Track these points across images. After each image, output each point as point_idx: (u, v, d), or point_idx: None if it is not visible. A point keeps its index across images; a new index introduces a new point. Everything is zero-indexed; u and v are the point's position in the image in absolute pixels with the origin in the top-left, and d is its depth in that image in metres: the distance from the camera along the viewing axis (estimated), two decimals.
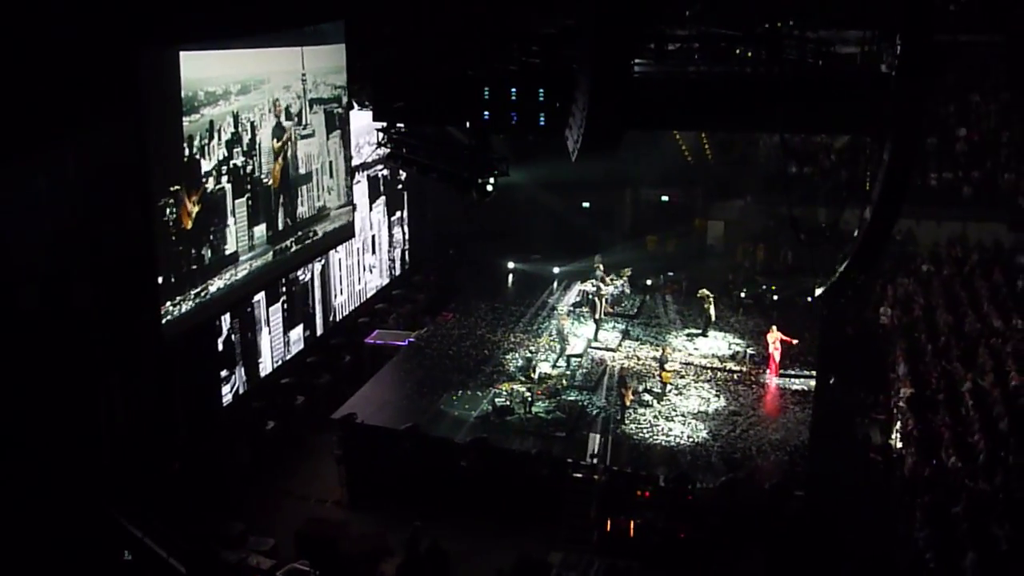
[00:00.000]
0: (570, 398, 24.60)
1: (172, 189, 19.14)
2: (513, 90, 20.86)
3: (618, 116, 17.84)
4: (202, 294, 20.59)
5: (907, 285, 31.60)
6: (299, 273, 27.45)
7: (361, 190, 31.45)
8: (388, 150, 26.09)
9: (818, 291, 22.78)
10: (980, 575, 17.52)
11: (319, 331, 29.18)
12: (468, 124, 22.48)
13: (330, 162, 26.00)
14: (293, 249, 24.36)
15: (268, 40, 22.28)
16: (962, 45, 38.64)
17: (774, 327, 26.18)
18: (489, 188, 23.72)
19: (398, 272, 35.05)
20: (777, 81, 19.31)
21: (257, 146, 21.95)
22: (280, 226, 23.54)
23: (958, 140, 37.68)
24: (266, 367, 26.18)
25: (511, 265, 35.33)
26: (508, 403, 23.84)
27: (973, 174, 36.49)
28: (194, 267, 20.36)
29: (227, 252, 21.40)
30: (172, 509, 19.25)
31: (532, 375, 25.54)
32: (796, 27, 20.20)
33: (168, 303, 19.58)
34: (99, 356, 19.16)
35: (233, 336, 24.43)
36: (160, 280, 19.23)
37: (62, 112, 16.84)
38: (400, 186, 34.41)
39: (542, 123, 20.92)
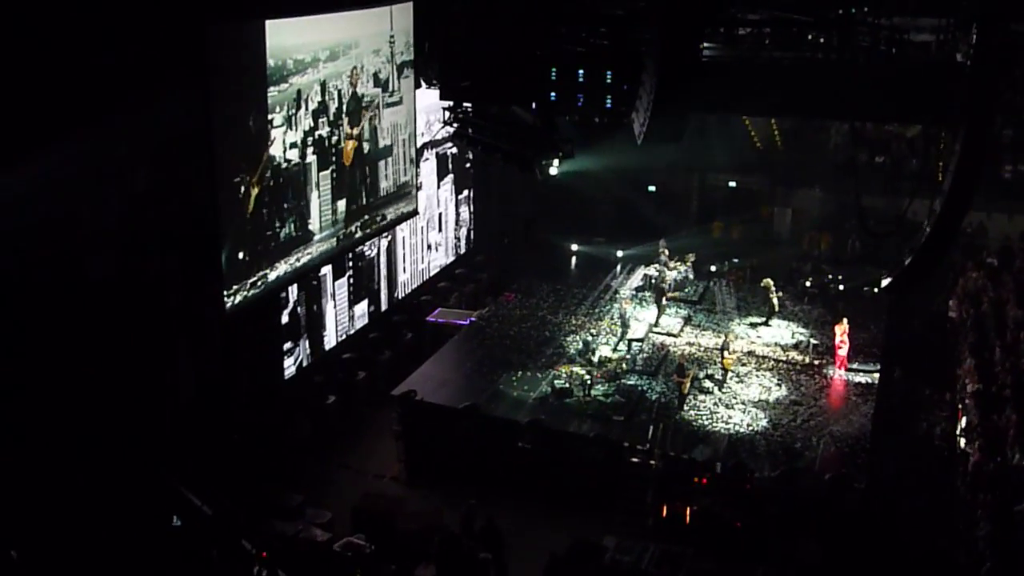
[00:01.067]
0: (630, 382, 24.54)
1: (245, 165, 19.24)
2: (580, 71, 20.83)
3: (686, 100, 17.72)
4: (271, 275, 20.86)
5: (976, 279, 31.06)
6: (365, 248, 27.60)
7: (429, 168, 31.58)
8: (454, 129, 26.14)
9: (884, 282, 22.48)
10: None
11: (383, 307, 29.35)
12: (534, 105, 22.45)
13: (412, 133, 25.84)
14: (372, 226, 24.31)
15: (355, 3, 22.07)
16: None
17: (844, 319, 25.84)
18: (553, 170, 23.71)
19: (463, 251, 35.13)
20: (849, 68, 19.06)
21: (344, 116, 21.79)
22: (364, 201, 23.44)
23: None
24: (330, 341, 26.40)
25: (574, 247, 35.28)
26: (567, 385, 23.83)
27: None
28: (270, 244, 20.65)
29: (308, 227, 21.46)
30: (232, 479, 19.52)
31: (592, 358, 25.51)
32: (869, 13, 19.89)
33: (237, 284, 19.93)
34: (165, 327, 19.45)
35: (299, 308, 24.66)
36: (227, 257, 19.47)
37: (133, 83, 17.00)
38: (468, 165, 34.41)
39: (609, 105, 20.86)
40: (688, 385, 23.69)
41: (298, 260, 21.75)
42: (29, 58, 15.32)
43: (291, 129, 20.10)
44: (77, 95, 16.12)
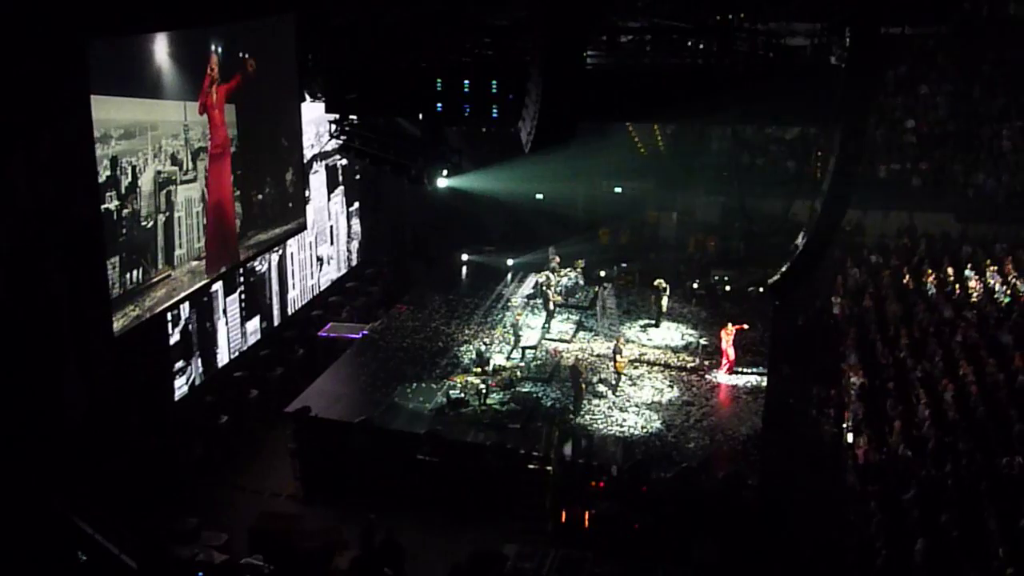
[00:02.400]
0: (524, 390, 24.63)
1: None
2: (466, 82, 20.88)
3: (571, 108, 17.86)
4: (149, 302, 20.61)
5: (857, 275, 31.93)
6: (256, 264, 27.28)
7: (319, 180, 31.33)
8: (341, 142, 25.97)
9: (770, 281, 22.95)
10: (930, 562, 17.75)
11: (276, 323, 29.02)
12: (421, 116, 22.42)
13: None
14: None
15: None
16: (910, 37, 39.14)
17: (729, 323, 26.30)
18: (442, 181, 23.70)
19: (355, 263, 34.86)
20: (728, 73, 19.46)
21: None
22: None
23: (906, 131, 38.09)
24: (223, 358, 25.98)
25: (465, 257, 35.29)
26: (463, 395, 23.81)
27: (921, 165, 36.88)
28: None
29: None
30: (124, 505, 19.05)
31: (486, 367, 25.54)
32: (747, 19, 20.34)
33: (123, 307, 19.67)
34: (52, 349, 18.91)
35: (191, 327, 24.20)
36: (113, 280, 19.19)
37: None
38: (358, 176, 34.19)
39: (495, 115, 20.93)
40: (583, 389, 23.92)
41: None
42: None
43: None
44: None
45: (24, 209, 18.04)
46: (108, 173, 19.65)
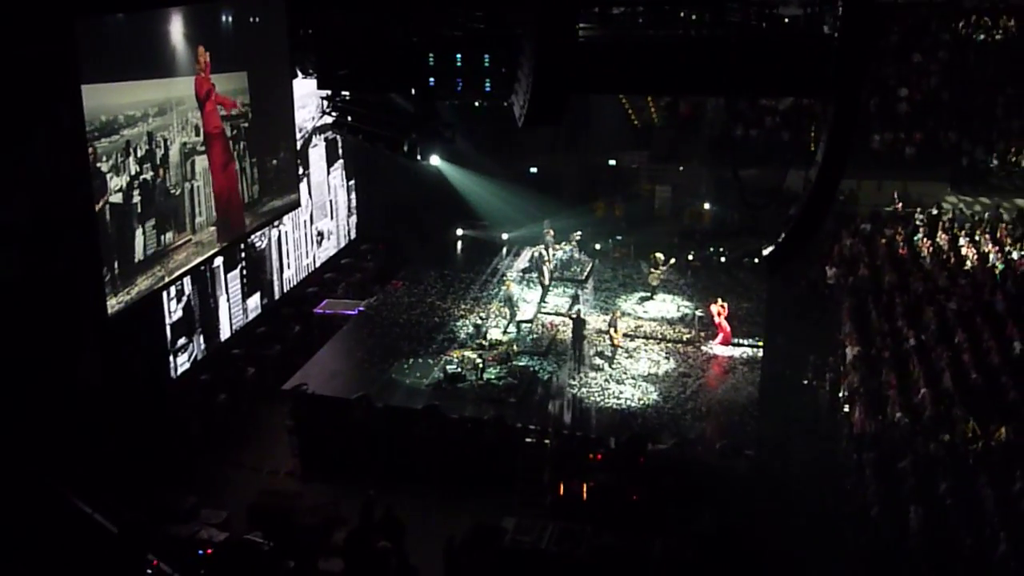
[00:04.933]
0: (521, 364, 24.68)
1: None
2: (458, 56, 20.74)
3: (563, 81, 17.81)
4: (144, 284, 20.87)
5: (852, 245, 31.96)
6: (256, 239, 27.30)
7: (318, 154, 31.26)
8: (333, 118, 25.89)
9: (765, 252, 22.94)
10: (925, 529, 17.87)
11: (276, 298, 29.13)
12: (413, 91, 22.33)
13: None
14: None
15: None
16: (903, 6, 39.06)
17: (719, 299, 26.36)
18: (435, 158, 23.64)
19: (350, 240, 34.84)
20: (721, 44, 19.36)
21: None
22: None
23: (900, 101, 38.05)
24: (225, 335, 26.11)
25: (460, 232, 35.27)
26: (459, 370, 23.87)
27: (915, 134, 36.87)
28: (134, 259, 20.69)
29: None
30: (123, 483, 19.09)
31: (483, 342, 25.58)
32: None
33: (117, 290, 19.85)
34: (50, 328, 18.94)
35: (192, 303, 24.29)
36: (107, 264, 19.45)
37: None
38: (354, 151, 34.15)
39: (488, 89, 20.82)
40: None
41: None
42: None
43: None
44: None
45: (44, 186, 18.18)
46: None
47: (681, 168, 37.73)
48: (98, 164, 19.24)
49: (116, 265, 20.01)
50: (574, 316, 25.98)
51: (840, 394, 23.48)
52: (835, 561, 17.89)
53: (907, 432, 20.88)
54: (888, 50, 38.72)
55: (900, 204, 34.96)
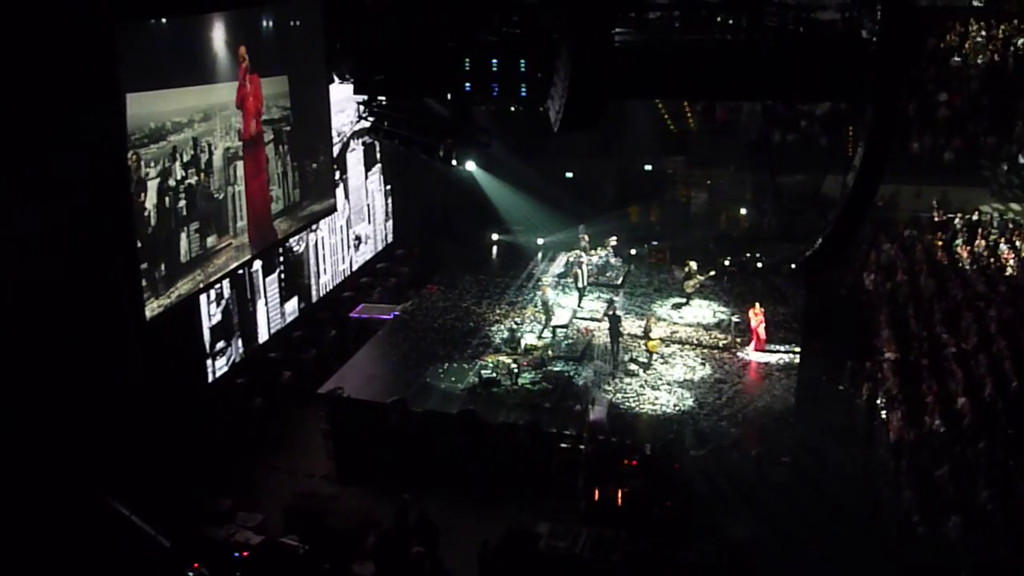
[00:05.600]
0: (556, 369, 24.65)
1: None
2: (494, 61, 20.77)
3: (599, 86, 17.78)
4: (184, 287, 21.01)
5: (889, 251, 31.71)
6: (293, 243, 27.45)
7: (356, 158, 31.43)
8: (370, 123, 25.98)
9: (802, 258, 22.82)
10: (963, 538, 17.67)
11: (314, 302, 29.24)
12: (449, 96, 22.37)
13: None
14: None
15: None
16: (942, 9, 38.72)
17: (757, 304, 26.22)
18: (470, 164, 23.67)
19: (387, 244, 34.93)
20: (758, 48, 19.27)
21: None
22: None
23: (939, 105, 37.71)
24: (263, 339, 26.24)
25: (495, 237, 35.28)
26: (494, 375, 23.88)
27: (955, 139, 36.51)
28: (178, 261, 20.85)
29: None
30: (159, 486, 19.23)
31: (518, 347, 25.57)
32: None
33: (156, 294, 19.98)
34: (90, 332, 19.13)
35: (231, 307, 24.46)
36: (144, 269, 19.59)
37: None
38: (389, 156, 34.20)
39: (523, 94, 20.83)
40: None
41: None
42: None
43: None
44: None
45: (88, 191, 18.41)
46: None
47: (717, 173, 37.56)
48: (146, 169, 19.39)
49: (163, 267, 20.14)
50: (610, 313, 25.94)
51: (878, 401, 23.26)
52: (872, 571, 17.74)
53: (946, 440, 20.67)
54: (928, 54, 38.41)
55: (940, 210, 34.64)
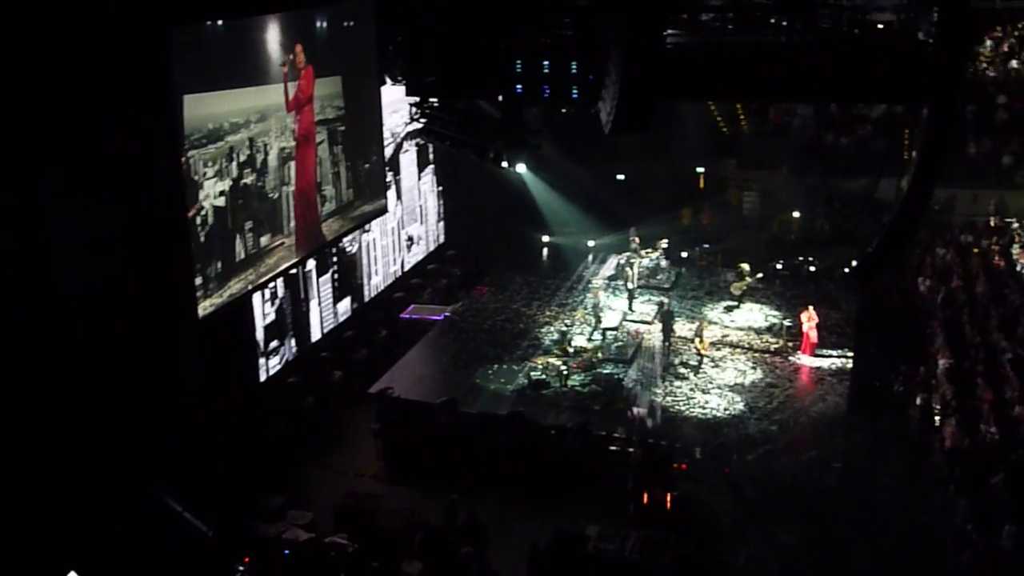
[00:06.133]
0: (605, 371, 24.61)
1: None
2: (545, 63, 20.78)
3: (651, 88, 17.73)
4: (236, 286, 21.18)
5: (945, 255, 31.33)
6: (346, 244, 27.64)
7: (409, 159, 31.62)
8: (421, 124, 26.09)
9: (855, 262, 22.61)
10: (1018, 547, 17.41)
11: (366, 302, 29.41)
12: (500, 98, 22.41)
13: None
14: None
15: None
16: (1001, 11, 38.19)
17: (810, 307, 26.00)
18: (521, 166, 23.70)
19: (439, 245, 35.09)
20: (812, 50, 19.13)
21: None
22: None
23: (998, 108, 37.19)
24: (315, 338, 26.45)
25: (545, 239, 35.28)
26: (544, 377, 23.89)
27: (1013, 143, 35.99)
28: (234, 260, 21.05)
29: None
30: (212, 484, 19.43)
31: (567, 348, 25.56)
32: None
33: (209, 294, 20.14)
34: (144, 330, 19.37)
35: (285, 306, 24.70)
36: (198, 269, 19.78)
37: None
38: (442, 157, 34.32)
39: (575, 96, 20.82)
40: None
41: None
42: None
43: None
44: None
45: (145, 191, 18.66)
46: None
47: (770, 176, 37.31)
48: (204, 170, 19.61)
49: (218, 266, 20.31)
50: (664, 309, 25.89)
51: (932, 407, 22.99)
52: None
53: (1001, 447, 20.38)
54: (986, 56, 37.92)
55: (997, 215, 34.16)
